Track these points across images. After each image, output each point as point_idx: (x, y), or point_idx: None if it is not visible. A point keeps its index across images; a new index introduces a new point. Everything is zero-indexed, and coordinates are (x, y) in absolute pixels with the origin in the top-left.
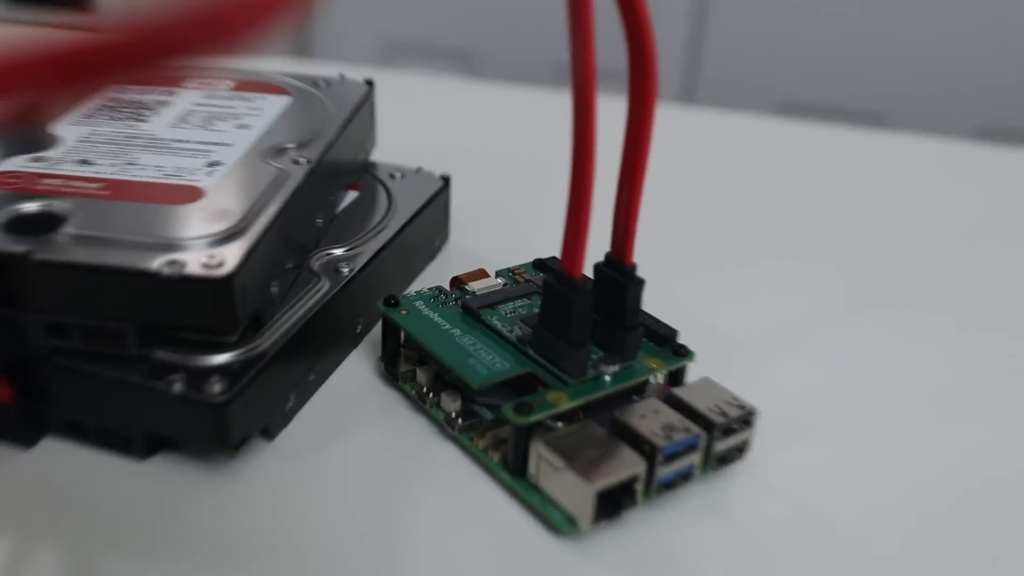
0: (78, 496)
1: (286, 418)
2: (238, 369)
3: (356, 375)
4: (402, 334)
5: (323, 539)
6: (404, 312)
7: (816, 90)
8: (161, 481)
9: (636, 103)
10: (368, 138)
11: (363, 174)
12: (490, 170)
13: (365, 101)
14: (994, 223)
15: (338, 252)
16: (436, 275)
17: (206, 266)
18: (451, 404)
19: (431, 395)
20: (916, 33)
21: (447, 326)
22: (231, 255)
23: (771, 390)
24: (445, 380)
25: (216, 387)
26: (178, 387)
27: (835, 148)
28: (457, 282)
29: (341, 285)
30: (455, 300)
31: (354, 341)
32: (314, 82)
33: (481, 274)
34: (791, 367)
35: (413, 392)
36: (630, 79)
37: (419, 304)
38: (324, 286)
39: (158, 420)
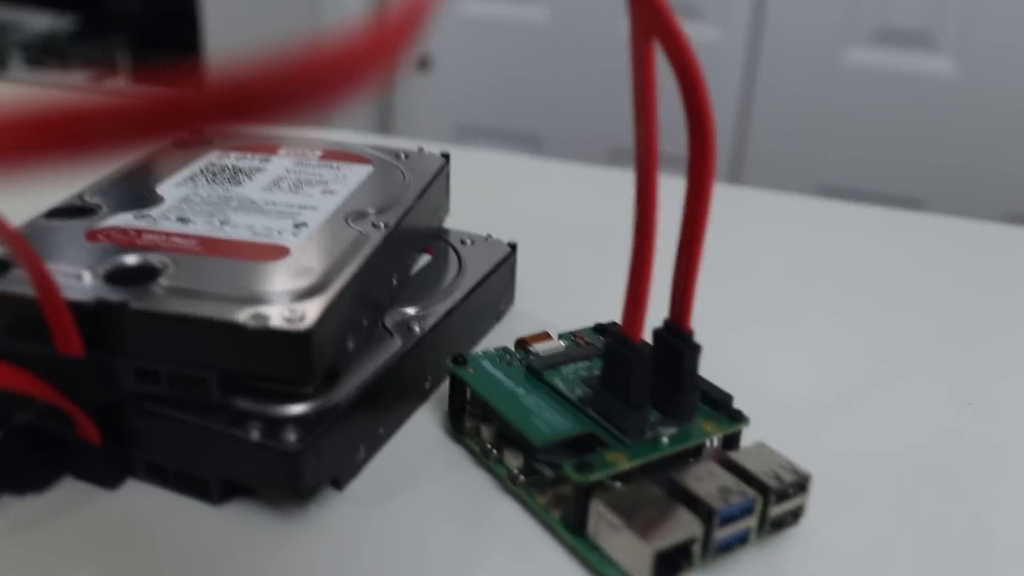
0: (156, 537)
1: (356, 469)
2: (313, 420)
3: (424, 429)
4: (468, 391)
5: (396, 566)
6: (472, 370)
7: (855, 177)
8: (234, 525)
9: (695, 180)
10: (442, 206)
11: (436, 239)
12: (553, 241)
13: (441, 172)
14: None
15: (411, 311)
16: (501, 337)
17: (288, 320)
18: (513, 461)
19: (494, 451)
20: (949, 122)
21: (511, 385)
22: (311, 310)
23: (823, 455)
24: (508, 437)
25: (291, 436)
26: (255, 435)
27: (871, 227)
28: (522, 343)
29: (413, 343)
30: (520, 360)
31: (422, 397)
32: (395, 154)
33: (545, 336)
34: (840, 432)
35: (477, 448)
36: (690, 157)
37: (486, 363)
38: (396, 343)
39: (235, 466)
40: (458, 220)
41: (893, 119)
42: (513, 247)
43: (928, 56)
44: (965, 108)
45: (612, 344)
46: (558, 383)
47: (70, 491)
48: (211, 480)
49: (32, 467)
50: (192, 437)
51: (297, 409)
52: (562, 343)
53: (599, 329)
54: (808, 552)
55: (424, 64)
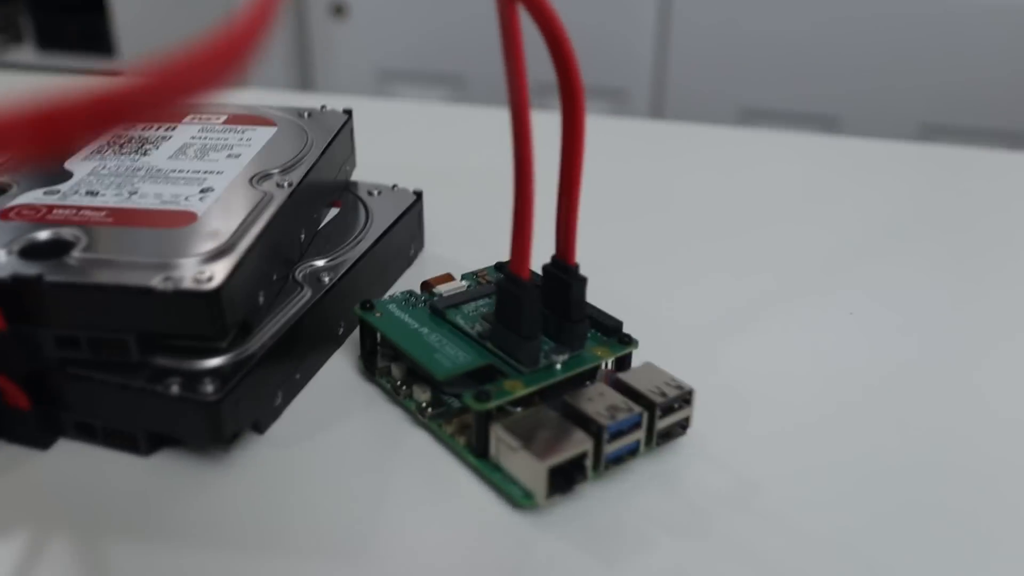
0: (90, 491)
1: (275, 413)
2: (229, 371)
3: (338, 372)
4: (378, 334)
5: (309, 520)
6: (378, 315)
7: (773, 99)
8: (163, 474)
9: (568, 121)
10: (348, 160)
11: (344, 193)
12: (461, 186)
13: (343, 127)
14: (926, 215)
15: (320, 263)
16: (412, 280)
17: (196, 280)
18: (422, 395)
19: (404, 388)
20: (862, 39)
21: (416, 325)
22: (219, 270)
23: (712, 373)
24: (417, 374)
25: (209, 387)
26: (175, 389)
27: (785, 152)
28: (426, 286)
29: (322, 293)
30: (424, 302)
31: (336, 342)
32: (299, 113)
33: (447, 278)
34: (729, 352)
35: (388, 386)
36: (560, 91)
37: (392, 307)
38: (306, 294)
39: (159, 419)
40: (367, 172)
41: (808, 39)
42: (419, 194)
43: None
44: (875, 22)
45: (503, 282)
46: (459, 320)
47: (3, 454)
48: (138, 434)
49: None
50: (116, 396)
51: (213, 362)
52: (464, 283)
53: (499, 267)
54: (693, 459)
55: (340, 10)
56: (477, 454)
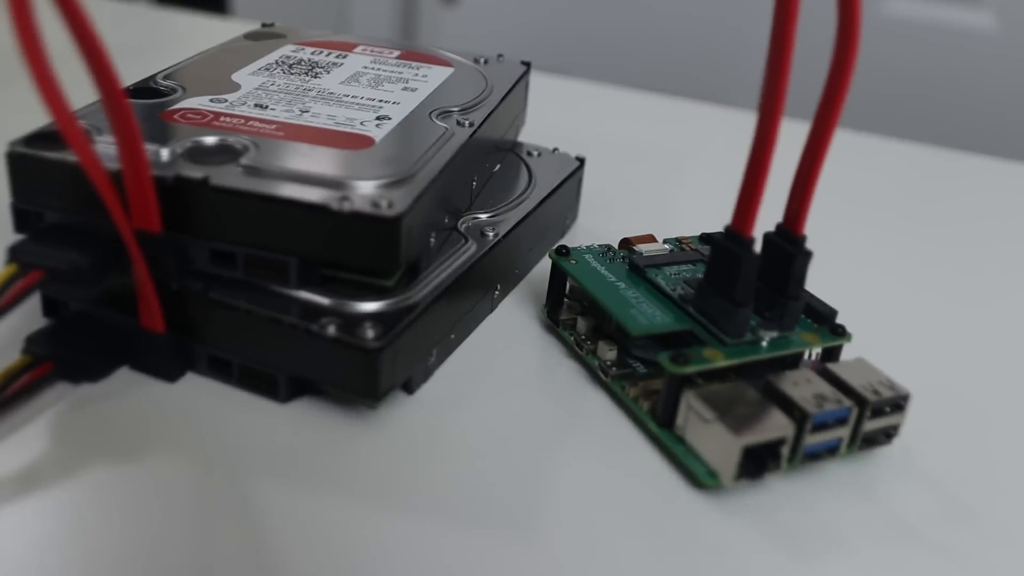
0: (218, 432)
1: (427, 373)
2: (391, 317)
3: (516, 321)
4: (567, 285)
5: (464, 478)
6: (574, 262)
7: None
8: (300, 424)
9: (835, 74)
10: (520, 115)
11: (510, 151)
12: (615, 161)
13: (522, 78)
14: None
15: (483, 217)
16: None
17: (376, 204)
18: (607, 353)
19: (588, 343)
20: (988, 76)
21: (612, 279)
22: (400, 198)
23: (924, 384)
24: (604, 331)
25: (370, 333)
26: (332, 330)
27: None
28: (626, 243)
29: (487, 248)
30: (622, 258)
31: (491, 306)
32: (475, 59)
33: (650, 238)
34: (946, 365)
35: (572, 339)
36: (835, 54)
37: (588, 257)
38: (471, 247)
39: (307, 362)
40: (525, 134)
41: (931, 71)
42: (582, 160)
43: (968, 11)
44: (1004, 62)
45: (721, 240)
46: (660, 281)
47: (127, 381)
48: (279, 377)
49: (88, 355)
50: (263, 330)
51: (374, 306)
52: (667, 246)
53: (705, 238)
54: (897, 470)
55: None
56: (661, 422)
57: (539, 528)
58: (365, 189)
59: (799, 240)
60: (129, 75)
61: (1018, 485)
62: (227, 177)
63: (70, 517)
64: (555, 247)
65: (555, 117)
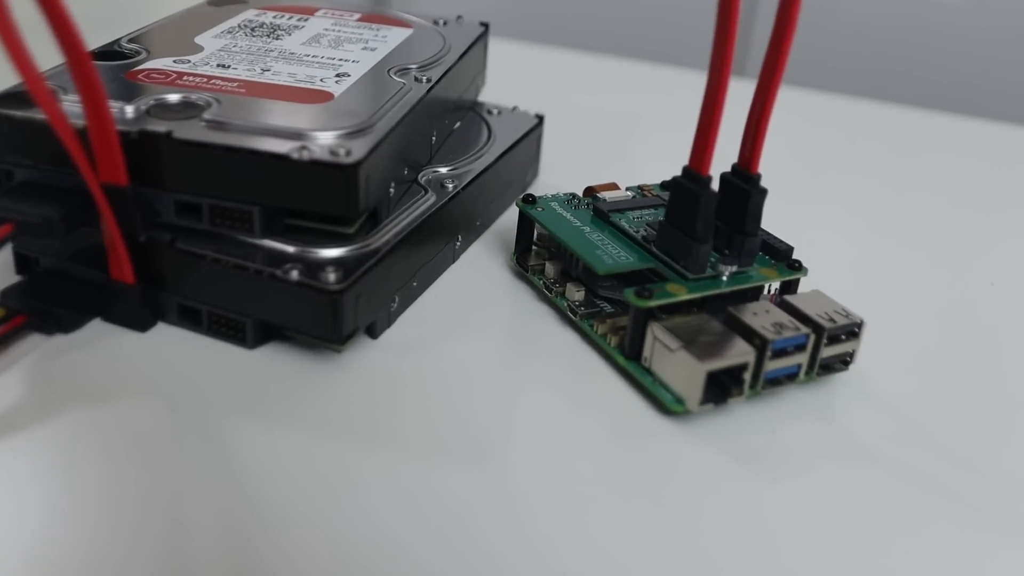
0: (191, 378)
1: (390, 319)
2: (352, 262)
3: (488, 269)
4: (535, 232)
5: (432, 416)
6: (540, 209)
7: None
8: (268, 368)
9: (780, 26)
10: (479, 75)
11: (469, 110)
12: (573, 121)
13: (480, 38)
14: None
15: (443, 171)
16: None
17: (334, 153)
18: (575, 294)
19: (557, 286)
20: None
21: (578, 223)
22: (358, 147)
23: (879, 310)
24: (571, 275)
25: (332, 276)
26: (295, 274)
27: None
28: (590, 191)
29: (446, 199)
30: (587, 205)
31: (452, 256)
32: (434, 20)
33: (612, 186)
34: (897, 291)
35: (541, 283)
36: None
37: (554, 204)
38: (431, 198)
39: (272, 307)
40: (484, 97)
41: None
42: (540, 118)
43: None
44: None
45: (680, 179)
46: (623, 224)
47: (99, 332)
48: (246, 323)
49: (61, 307)
50: (229, 277)
51: (336, 252)
52: (629, 193)
53: (666, 185)
54: (853, 395)
55: None
56: (629, 355)
57: (509, 460)
58: (324, 139)
59: (754, 178)
60: (94, 39)
61: (966, 406)
62: (190, 131)
63: (45, 462)
64: (522, 196)
65: (516, 80)
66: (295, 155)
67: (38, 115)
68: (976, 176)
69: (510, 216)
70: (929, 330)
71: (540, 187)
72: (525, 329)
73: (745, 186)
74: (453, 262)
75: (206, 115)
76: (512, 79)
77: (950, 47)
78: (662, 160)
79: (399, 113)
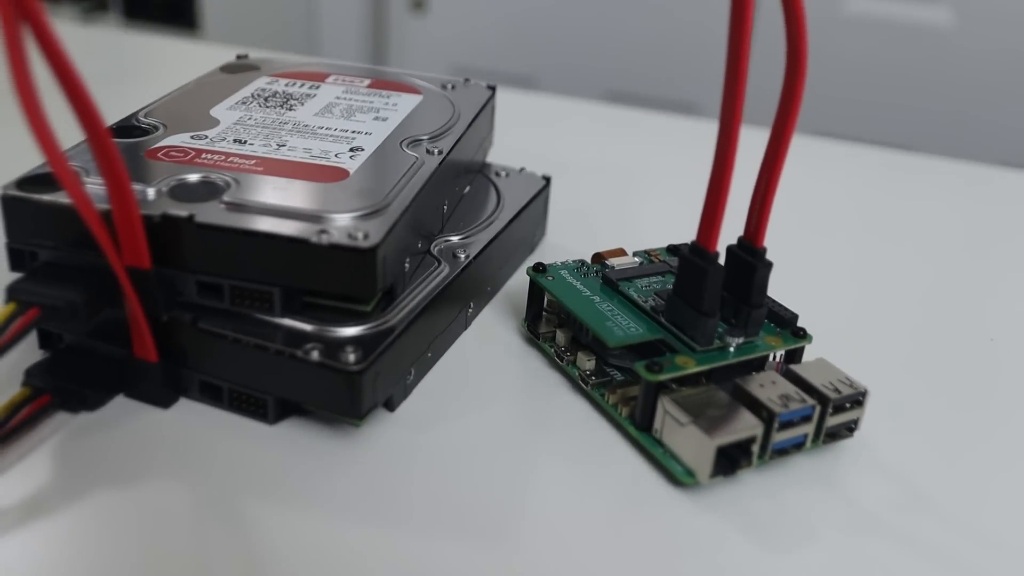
0: (213, 454)
1: (407, 391)
2: (371, 341)
3: (500, 336)
4: (545, 299)
5: (448, 490)
6: (551, 278)
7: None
8: (288, 445)
9: (786, 97)
10: (487, 137)
11: (478, 172)
12: (575, 177)
13: (488, 103)
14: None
15: (455, 239)
16: None
17: (352, 237)
18: (586, 363)
19: (568, 354)
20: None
21: (588, 293)
22: (375, 229)
23: (882, 375)
24: (580, 343)
25: (351, 356)
26: (315, 355)
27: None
28: (598, 258)
29: (459, 269)
30: (596, 272)
31: (465, 323)
32: (442, 84)
33: (620, 252)
34: (901, 356)
35: (552, 351)
36: (786, 75)
37: (564, 272)
38: (444, 269)
39: (293, 386)
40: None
41: (891, 68)
42: (548, 179)
43: (926, 6)
44: (961, 58)
45: (687, 254)
46: (632, 293)
47: (122, 409)
48: (267, 400)
49: (85, 385)
50: (250, 356)
51: (354, 331)
52: (637, 259)
53: (672, 249)
54: (859, 462)
55: (419, 5)
56: (639, 426)
57: (524, 532)
58: (342, 221)
59: (759, 252)
60: (106, 102)
61: (970, 473)
62: (210, 214)
63: (74, 543)
64: (532, 265)
65: (520, 132)
66: (314, 239)
67: (64, 199)
68: (970, 222)
69: (518, 279)
70: (931, 392)
71: (547, 246)
72: (537, 398)
73: (751, 260)
74: (465, 328)
75: (225, 197)
76: (517, 131)
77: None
78: (669, 210)
79: (413, 190)
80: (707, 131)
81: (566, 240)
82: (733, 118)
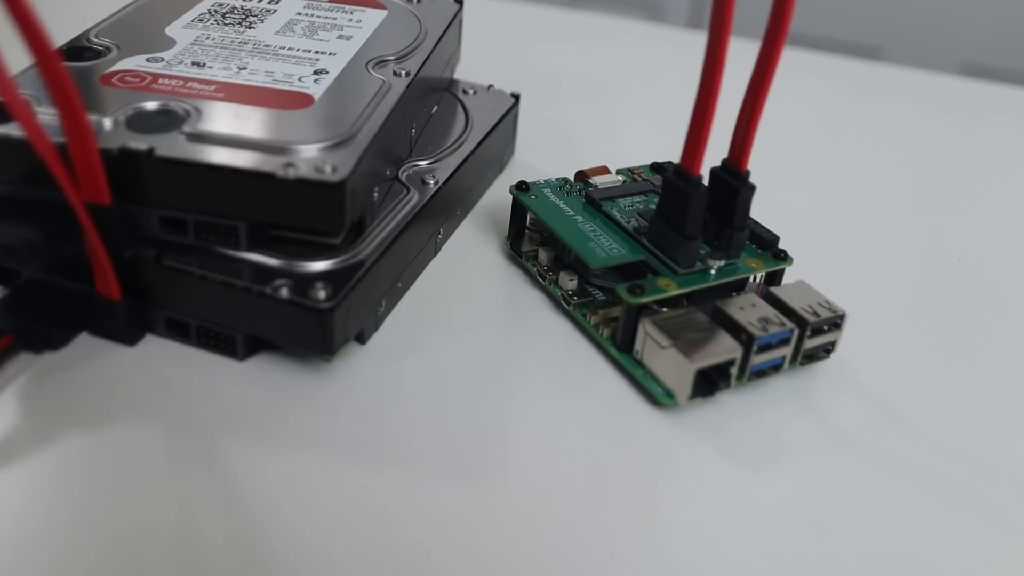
0: (182, 392)
1: (377, 323)
2: (341, 276)
3: (482, 255)
4: (528, 217)
5: (426, 419)
6: (534, 197)
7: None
8: (259, 380)
9: (773, 21)
10: (455, 55)
11: (446, 90)
12: (545, 90)
13: (455, 18)
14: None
15: (423, 164)
16: (504, 186)
17: (319, 170)
18: (568, 282)
19: (550, 273)
20: None
21: (571, 212)
22: (343, 161)
23: (860, 297)
24: (563, 262)
25: (321, 293)
26: (285, 292)
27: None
28: (582, 175)
29: (429, 197)
30: (579, 191)
31: (435, 249)
32: None
33: (603, 170)
34: (878, 277)
35: (535, 269)
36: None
37: (547, 191)
38: (413, 197)
39: (262, 323)
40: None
41: None
42: (517, 97)
43: None
44: None
45: (671, 178)
46: (615, 213)
47: (87, 347)
48: (236, 337)
49: (49, 324)
50: (217, 293)
51: (323, 265)
52: (620, 177)
53: (656, 168)
54: (835, 383)
55: None
56: (620, 347)
57: (505, 457)
58: (308, 153)
59: (743, 175)
60: (59, 27)
61: (943, 394)
62: (171, 146)
63: (48, 487)
64: (516, 183)
65: (481, 43)
66: (280, 172)
67: (16, 132)
68: (945, 137)
69: (494, 195)
70: (910, 314)
71: (517, 165)
72: (518, 320)
73: (734, 183)
74: (435, 255)
75: (186, 127)
76: (484, 43)
77: None
78: (640, 126)
79: (380, 116)
80: (676, 39)
81: (535, 158)
82: (719, 49)
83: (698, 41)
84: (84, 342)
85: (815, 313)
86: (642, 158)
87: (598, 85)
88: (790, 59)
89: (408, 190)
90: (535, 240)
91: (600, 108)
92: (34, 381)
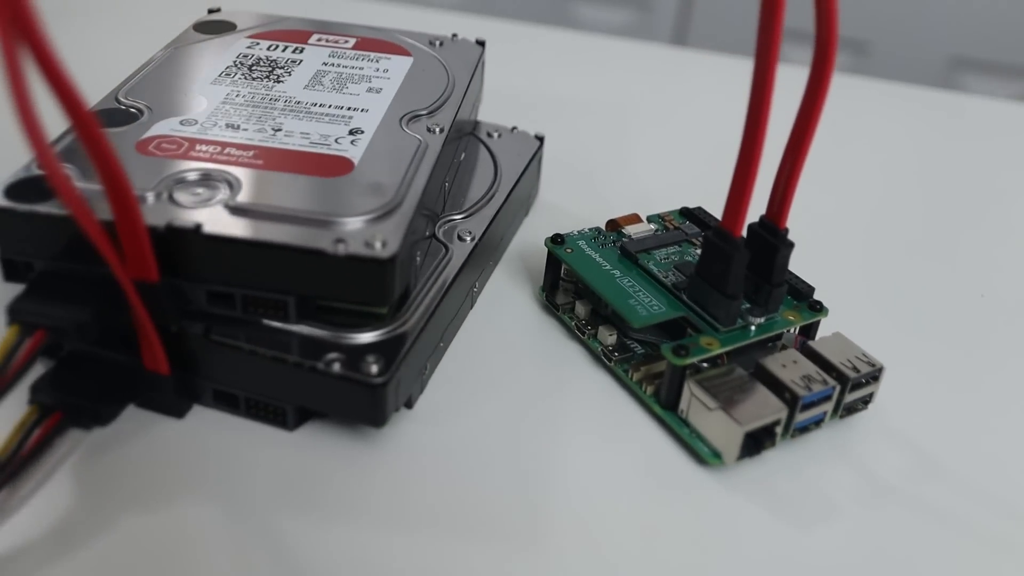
0: (232, 464)
1: (423, 386)
2: (390, 347)
3: (518, 307)
4: (562, 268)
5: (473, 483)
6: (569, 251)
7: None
8: (309, 449)
9: (815, 78)
10: (479, 98)
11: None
12: (568, 118)
13: (479, 61)
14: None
15: (458, 219)
16: (531, 230)
17: (369, 245)
18: (608, 338)
19: (589, 327)
20: None
21: (608, 266)
22: (392, 234)
23: (896, 345)
24: (600, 314)
25: (373, 368)
26: (337, 367)
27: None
28: (613, 225)
29: (468, 254)
30: (613, 242)
31: (471, 303)
32: (430, 41)
33: (635, 218)
34: (914, 325)
35: (572, 323)
36: (814, 55)
37: (582, 243)
38: (451, 255)
39: (313, 396)
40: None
41: None
42: (541, 139)
43: None
44: None
45: (712, 237)
46: (652, 267)
47: (135, 420)
48: (286, 408)
49: (96, 399)
50: (267, 368)
51: (372, 336)
52: (652, 226)
53: (686, 213)
54: (874, 433)
55: None
56: (665, 406)
57: (552, 519)
58: (354, 225)
59: (782, 233)
60: (64, 38)
61: (980, 440)
62: (218, 222)
63: (108, 570)
64: (551, 236)
65: (501, 72)
66: (331, 250)
67: (59, 210)
68: (963, 157)
69: (519, 240)
70: (946, 362)
71: (541, 206)
72: (558, 374)
73: (773, 240)
74: (472, 307)
75: (230, 200)
76: (499, 69)
77: None
78: (661, 160)
79: (422, 180)
80: (702, 63)
81: (559, 197)
82: (760, 117)
83: (700, 60)
84: (132, 415)
85: (855, 368)
86: (660, 186)
87: (610, 111)
88: (797, 80)
89: (446, 249)
90: (570, 291)
91: (615, 134)
92: (87, 458)
